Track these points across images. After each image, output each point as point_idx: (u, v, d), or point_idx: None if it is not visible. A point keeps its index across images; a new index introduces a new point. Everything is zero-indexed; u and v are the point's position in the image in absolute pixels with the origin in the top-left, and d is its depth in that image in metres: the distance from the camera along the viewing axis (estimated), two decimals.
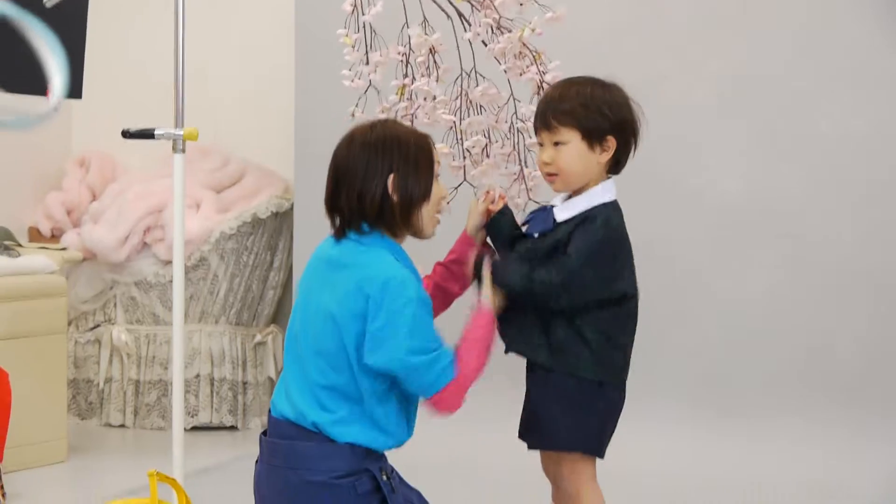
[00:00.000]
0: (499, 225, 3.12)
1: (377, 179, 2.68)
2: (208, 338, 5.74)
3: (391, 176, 2.68)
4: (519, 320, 3.06)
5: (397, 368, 2.64)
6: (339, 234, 2.76)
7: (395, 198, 2.69)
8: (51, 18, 4.05)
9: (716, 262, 5.09)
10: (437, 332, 2.72)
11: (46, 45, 1.49)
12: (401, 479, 2.81)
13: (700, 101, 5.09)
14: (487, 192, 3.14)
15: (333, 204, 2.75)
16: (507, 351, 3.13)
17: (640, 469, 4.75)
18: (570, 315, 3.00)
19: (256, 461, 2.83)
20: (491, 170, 3.40)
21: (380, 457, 2.74)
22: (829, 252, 4.96)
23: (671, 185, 5.11)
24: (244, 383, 5.82)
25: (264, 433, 2.81)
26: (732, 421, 4.99)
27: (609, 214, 3.03)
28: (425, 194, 2.73)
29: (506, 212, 3.14)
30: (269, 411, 2.81)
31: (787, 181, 5.01)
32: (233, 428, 5.80)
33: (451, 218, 3.09)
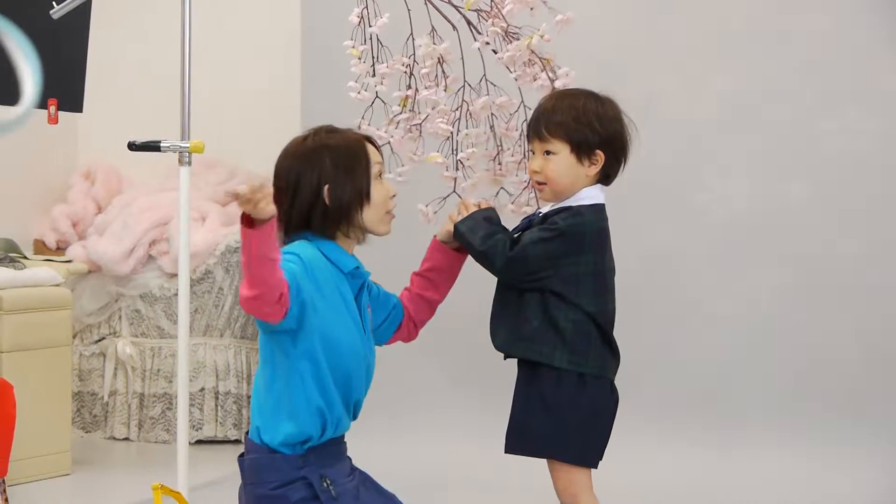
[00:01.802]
0: (473, 218, 3.14)
1: (307, 191, 2.73)
2: (213, 351, 5.73)
3: (325, 186, 2.72)
4: (504, 319, 3.13)
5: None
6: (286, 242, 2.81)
7: (329, 205, 2.73)
8: (53, 32, 4.05)
9: (718, 278, 5.07)
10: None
11: (21, 51, 1.47)
12: (367, 483, 2.81)
13: (703, 117, 5.08)
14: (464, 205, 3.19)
15: (277, 218, 2.75)
16: (505, 357, 3.18)
17: (640, 484, 4.75)
18: (544, 305, 3.04)
19: None
20: (484, 183, 3.41)
21: (328, 462, 2.74)
22: (831, 268, 4.95)
23: (674, 201, 5.10)
24: (249, 397, 5.80)
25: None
26: (735, 435, 4.97)
27: (584, 212, 3.05)
28: (360, 198, 2.76)
29: (490, 213, 3.16)
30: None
31: (789, 197, 4.99)
32: (237, 442, 5.78)
33: (435, 228, 3.12)
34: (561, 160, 3.06)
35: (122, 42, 6.21)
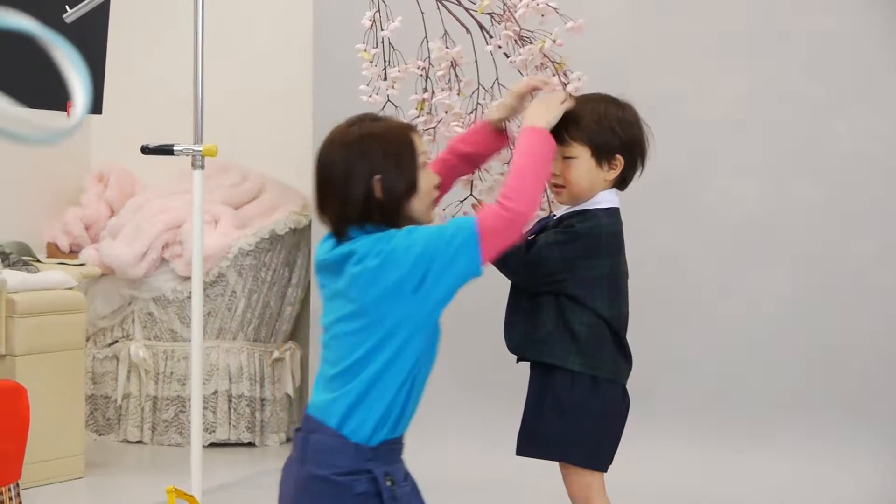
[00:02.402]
0: None
1: (359, 182, 2.65)
2: (226, 354, 5.73)
3: (375, 177, 2.65)
4: (516, 324, 3.13)
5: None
6: (336, 236, 2.72)
7: (380, 198, 2.66)
8: (71, 34, 4.06)
9: (728, 278, 5.07)
10: None
11: (69, 62, 1.48)
12: (416, 492, 2.78)
13: (714, 118, 5.08)
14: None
15: (322, 207, 2.73)
16: (518, 360, 3.19)
17: (650, 486, 4.74)
18: (559, 308, 3.04)
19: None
20: (499, 186, 3.41)
21: (391, 460, 2.71)
22: (843, 269, 4.94)
23: (685, 201, 5.10)
24: (262, 400, 5.81)
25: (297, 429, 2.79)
26: (745, 436, 4.97)
27: (599, 215, 3.05)
28: (411, 189, 2.69)
29: None
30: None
31: (799, 198, 4.99)
32: (250, 444, 5.79)
33: None
34: (581, 164, 3.07)
35: (135, 46, 6.23)
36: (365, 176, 2.64)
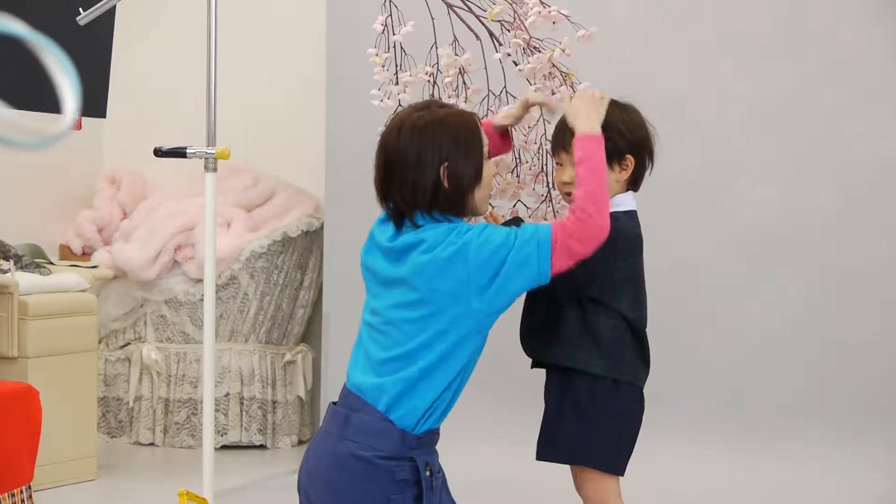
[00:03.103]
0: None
1: (429, 168, 2.64)
2: (238, 356, 5.74)
3: (443, 164, 2.64)
4: (535, 329, 3.13)
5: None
6: (398, 222, 2.70)
7: (447, 185, 2.64)
8: (78, 37, 4.07)
9: (745, 283, 5.06)
10: None
11: (59, 66, 1.48)
12: (445, 485, 2.78)
13: (730, 123, 5.07)
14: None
15: (386, 191, 2.70)
16: (533, 366, 3.19)
17: (666, 488, 4.74)
18: (581, 311, 3.04)
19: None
20: (512, 189, 3.41)
21: (431, 450, 2.71)
22: (860, 274, 4.93)
23: (701, 207, 5.09)
24: (273, 402, 5.82)
25: (334, 403, 2.79)
26: (761, 443, 4.96)
27: (619, 218, 3.06)
28: (477, 177, 2.68)
29: (518, 220, 3.18)
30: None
31: (817, 203, 4.98)
32: (262, 447, 5.79)
33: None
34: None
35: (149, 48, 6.24)
36: (435, 162, 2.63)
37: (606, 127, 3.06)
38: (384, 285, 2.71)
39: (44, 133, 1.47)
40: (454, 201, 2.66)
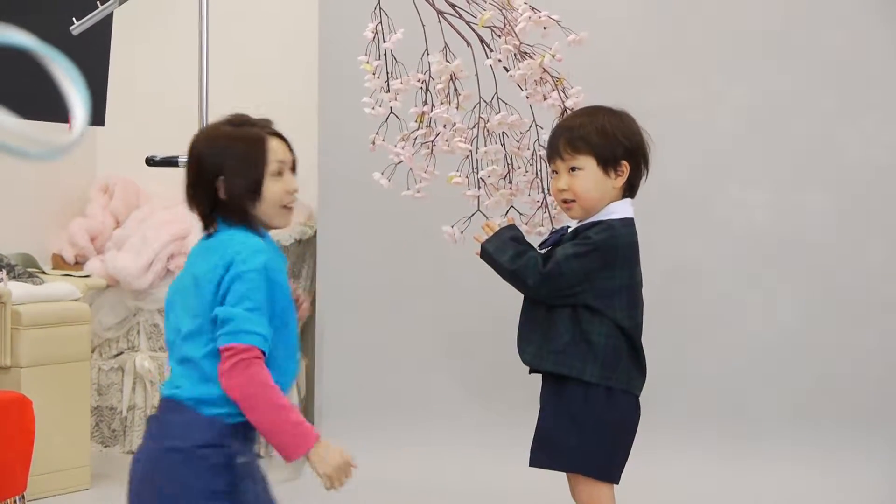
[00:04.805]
0: (500, 238, 3.16)
1: (207, 178, 2.75)
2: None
3: (219, 178, 2.73)
4: (531, 335, 3.14)
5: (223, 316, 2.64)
6: (205, 229, 2.80)
7: (224, 198, 2.73)
8: (75, 46, 4.07)
9: (742, 290, 5.05)
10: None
11: (68, 77, 1.49)
12: (264, 483, 2.79)
13: (725, 128, 5.07)
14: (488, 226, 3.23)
15: (189, 202, 2.81)
16: (530, 371, 3.19)
17: (666, 497, 4.73)
18: (575, 319, 3.05)
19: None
20: (505, 200, 3.41)
21: (247, 441, 2.72)
22: (857, 279, 4.93)
23: (697, 213, 5.09)
24: None
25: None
26: (760, 449, 4.96)
27: (615, 226, 3.06)
28: (252, 193, 2.74)
29: (516, 232, 3.18)
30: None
31: (813, 208, 4.98)
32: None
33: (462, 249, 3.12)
34: (588, 175, 3.08)
35: (141, 57, 6.24)
36: (212, 173, 2.74)
37: (603, 133, 3.07)
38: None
39: (52, 144, 1.47)
40: (233, 213, 2.74)
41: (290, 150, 2.84)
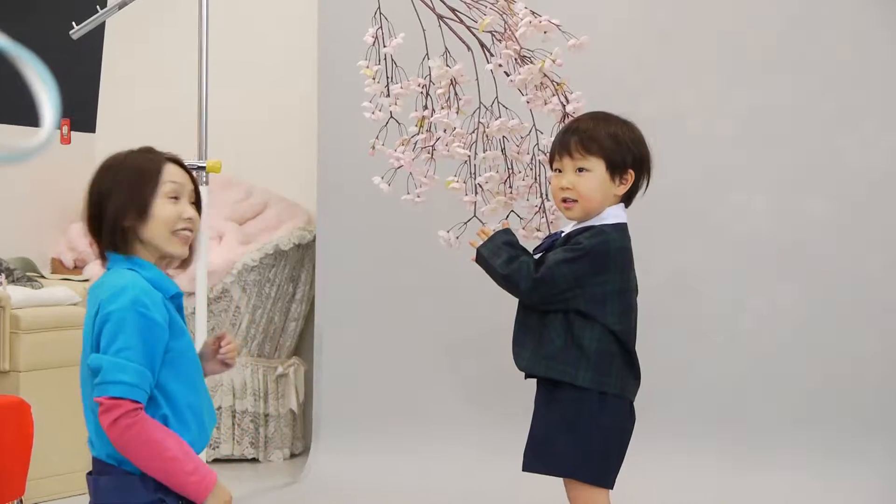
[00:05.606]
0: (494, 242, 3.18)
1: (98, 204, 2.65)
2: (230, 370, 5.72)
3: (106, 199, 2.64)
4: (524, 341, 3.15)
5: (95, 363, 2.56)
6: (102, 265, 2.71)
7: (109, 221, 2.63)
8: (67, 53, 4.07)
9: (742, 295, 5.05)
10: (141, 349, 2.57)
11: (38, 78, 1.47)
12: None
13: (724, 134, 5.07)
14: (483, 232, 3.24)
15: (88, 235, 2.73)
16: (526, 377, 3.20)
17: (665, 502, 4.73)
18: (567, 324, 3.06)
19: None
20: (503, 207, 3.41)
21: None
22: (857, 284, 4.93)
23: (696, 219, 5.09)
24: (266, 415, 5.81)
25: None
26: (758, 455, 4.96)
27: (607, 231, 3.06)
28: (135, 213, 2.63)
29: (510, 237, 3.19)
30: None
31: (813, 214, 4.98)
32: (254, 460, 5.78)
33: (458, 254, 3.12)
34: (595, 177, 3.09)
35: (140, 62, 6.24)
36: (101, 199, 2.65)
37: (615, 139, 3.09)
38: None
39: (14, 148, 1.45)
40: (119, 237, 2.64)
41: (193, 180, 2.73)
